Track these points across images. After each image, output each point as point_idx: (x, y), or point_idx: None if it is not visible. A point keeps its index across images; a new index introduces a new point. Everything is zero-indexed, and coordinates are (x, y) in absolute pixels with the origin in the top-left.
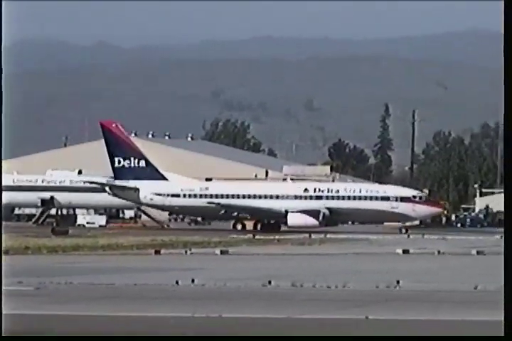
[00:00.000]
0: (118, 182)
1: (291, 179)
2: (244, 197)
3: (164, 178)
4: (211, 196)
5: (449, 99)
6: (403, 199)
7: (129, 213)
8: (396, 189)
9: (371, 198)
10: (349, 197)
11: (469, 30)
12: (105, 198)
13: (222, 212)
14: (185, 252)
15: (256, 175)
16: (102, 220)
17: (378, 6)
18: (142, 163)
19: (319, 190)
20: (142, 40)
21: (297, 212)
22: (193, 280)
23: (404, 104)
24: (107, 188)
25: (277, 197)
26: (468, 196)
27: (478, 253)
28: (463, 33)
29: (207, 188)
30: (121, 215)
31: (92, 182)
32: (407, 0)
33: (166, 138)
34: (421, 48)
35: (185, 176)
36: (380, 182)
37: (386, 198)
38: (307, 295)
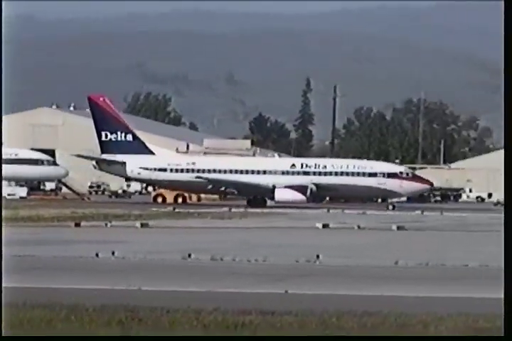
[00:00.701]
0: (105, 156)
1: (209, 153)
2: (231, 172)
3: (151, 153)
4: (198, 171)
5: (371, 74)
6: (390, 175)
7: (50, 185)
8: (383, 165)
9: (358, 174)
10: (336, 173)
11: (393, 5)
12: (25, 170)
13: (210, 186)
14: (106, 225)
15: (177, 149)
16: (22, 192)
17: None
18: (129, 137)
19: (306, 165)
20: (62, 14)
21: (284, 187)
22: (113, 253)
23: (326, 78)
24: (93, 162)
25: (264, 172)
26: None
27: (398, 228)
28: (386, 6)
29: (193, 163)
30: (42, 187)
31: (79, 156)
32: None
33: (87, 110)
34: (344, 23)
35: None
36: (300, 157)
37: (373, 174)
38: (227, 268)
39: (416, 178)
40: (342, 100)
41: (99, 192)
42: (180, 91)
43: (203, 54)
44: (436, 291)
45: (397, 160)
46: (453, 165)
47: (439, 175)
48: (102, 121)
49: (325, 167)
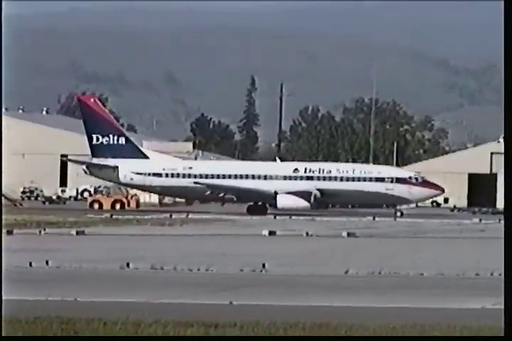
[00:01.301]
0: (96, 161)
1: None
2: (230, 177)
3: (145, 156)
4: (195, 176)
5: (320, 72)
6: (399, 180)
7: None
8: (392, 170)
9: (365, 179)
10: (341, 178)
11: (340, 2)
12: None
13: (208, 192)
14: (39, 232)
15: None
16: None
17: None
18: (122, 140)
19: (310, 170)
20: None
21: (287, 193)
22: (47, 262)
23: (272, 77)
24: (83, 167)
25: (265, 177)
26: None
27: (349, 235)
28: (335, 3)
29: (190, 167)
30: None
31: (69, 161)
32: None
33: (20, 111)
34: (291, 20)
35: (39, 152)
36: (245, 160)
37: (381, 179)
38: (168, 278)
39: (426, 184)
40: (289, 100)
41: (33, 198)
42: (118, 91)
43: (142, 52)
44: (389, 301)
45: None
46: (407, 168)
47: None
48: (93, 123)
49: (330, 172)
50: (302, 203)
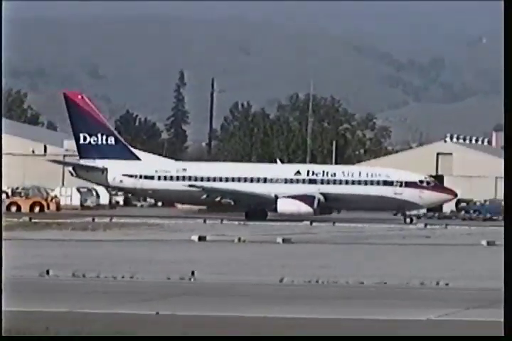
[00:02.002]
0: (83, 162)
1: (71, 156)
2: (227, 180)
3: (136, 158)
4: (190, 178)
5: (253, 66)
6: (408, 184)
7: None
8: (401, 173)
9: (372, 183)
10: (347, 182)
11: None
12: None
13: (204, 196)
14: None
15: (33, 151)
16: None
17: None
18: (111, 140)
19: (313, 172)
20: None
21: (288, 197)
22: None
23: (202, 72)
24: (69, 168)
25: (265, 180)
26: None
27: (284, 241)
28: None
29: (184, 169)
30: None
31: (54, 161)
32: None
33: None
34: (222, 8)
35: None
36: (175, 159)
37: (389, 183)
38: (90, 286)
39: (437, 188)
40: (221, 96)
41: None
42: (37, 86)
43: (63, 45)
44: (328, 312)
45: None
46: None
47: None
48: (80, 121)
49: (334, 174)
50: (304, 208)
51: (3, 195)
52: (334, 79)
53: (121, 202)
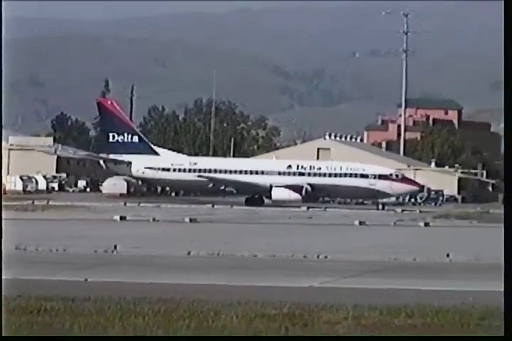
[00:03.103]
0: (112, 156)
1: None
2: (230, 172)
3: (156, 153)
4: (199, 170)
5: (166, 76)
6: (381, 176)
7: None
8: (375, 167)
9: (351, 175)
10: (330, 174)
11: (189, 12)
12: None
13: (211, 185)
14: None
15: None
16: None
17: None
18: (135, 139)
19: (302, 167)
20: None
21: (281, 186)
22: None
23: (125, 80)
24: (101, 162)
25: (262, 172)
26: None
27: (191, 220)
28: (183, 14)
29: (195, 163)
30: None
31: (89, 156)
32: None
33: None
34: (143, 28)
35: None
36: (100, 153)
37: (365, 176)
38: (31, 257)
39: (405, 180)
40: (141, 101)
41: None
42: None
43: (8, 58)
44: (228, 279)
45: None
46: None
47: None
48: (110, 123)
49: (319, 168)
50: (294, 196)
51: None
52: (233, 87)
53: (56, 188)
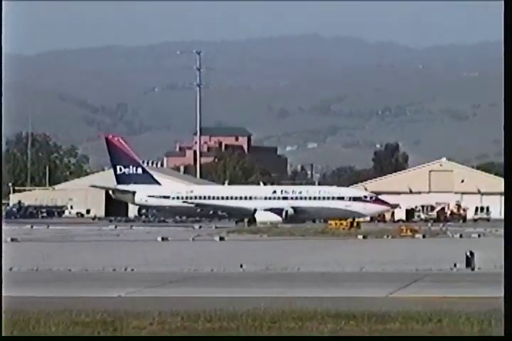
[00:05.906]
0: (119, 187)
1: None
2: (221, 198)
3: (158, 183)
4: (195, 198)
5: None
6: (355, 198)
7: None
8: (350, 190)
9: (329, 198)
10: (310, 198)
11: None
12: None
13: (199, 210)
14: None
15: None
16: None
17: None
18: (139, 171)
19: (285, 191)
20: None
21: (264, 210)
22: None
23: None
24: (110, 192)
25: (250, 198)
26: (3, 193)
27: (12, 240)
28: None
29: (191, 191)
30: None
31: (96, 186)
32: None
33: None
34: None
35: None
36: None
37: (341, 198)
38: None
39: (378, 201)
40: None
41: None
42: None
43: None
44: (46, 292)
45: (9, 184)
46: (57, 187)
47: (46, 195)
48: (117, 157)
49: (301, 192)
50: (275, 218)
51: None
52: (46, 120)
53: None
